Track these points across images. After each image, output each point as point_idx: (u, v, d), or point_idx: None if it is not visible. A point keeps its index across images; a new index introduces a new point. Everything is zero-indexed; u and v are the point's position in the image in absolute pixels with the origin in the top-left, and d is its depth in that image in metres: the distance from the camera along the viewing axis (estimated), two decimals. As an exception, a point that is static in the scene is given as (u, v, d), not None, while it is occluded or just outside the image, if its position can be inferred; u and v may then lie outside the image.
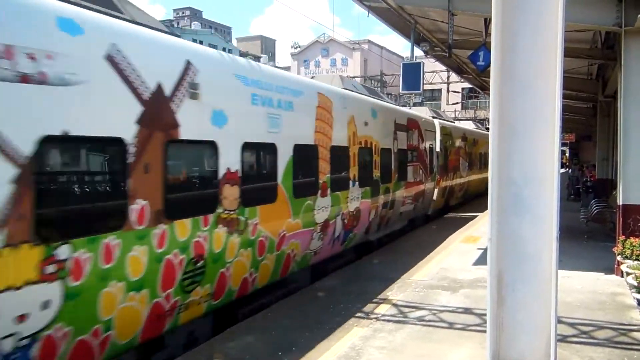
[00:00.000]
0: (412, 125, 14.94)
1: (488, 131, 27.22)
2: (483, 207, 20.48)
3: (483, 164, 26.81)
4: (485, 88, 22.71)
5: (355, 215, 10.92)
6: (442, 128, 18.97)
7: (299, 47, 68.15)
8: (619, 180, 9.40)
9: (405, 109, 17.02)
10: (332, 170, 9.64)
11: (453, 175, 20.63)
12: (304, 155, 8.87)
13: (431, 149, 17.03)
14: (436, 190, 17.86)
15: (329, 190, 9.57)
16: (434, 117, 19.07)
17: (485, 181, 30.19)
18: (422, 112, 18.46)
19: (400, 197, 13.82)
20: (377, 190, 12.03)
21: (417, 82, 13.47)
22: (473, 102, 52.01)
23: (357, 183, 10.85)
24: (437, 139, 17.97)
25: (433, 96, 52.74)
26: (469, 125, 29.05)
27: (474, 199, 25.77)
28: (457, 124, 26.19)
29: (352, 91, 11.75)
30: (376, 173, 12.04)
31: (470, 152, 24.11)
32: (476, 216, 18.62)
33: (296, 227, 8.50)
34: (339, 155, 10.06)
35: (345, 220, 10.45)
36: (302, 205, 8.69)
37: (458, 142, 21.61)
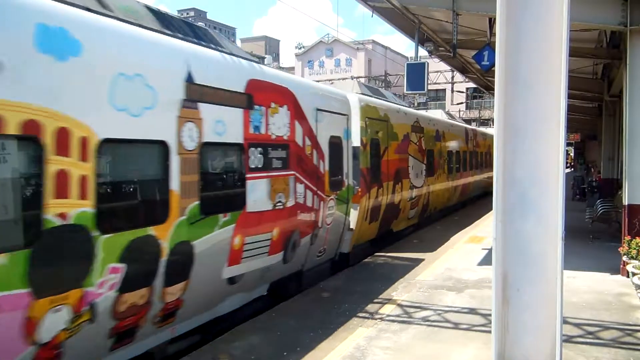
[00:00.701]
0: (268, 96, 7.54)
1: (460, 122, 22.69)
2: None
3: (456, 168, 19.92)
4: (489, 88, 22.66)
5: None
6: (367, 109, 11.66)
7: (303, 47, 68.11)
8: (625, 180, 9.38)
9: (263, 66, 8.16)
10: None
11: (396, 186, 13.30)
12: None
13: (337, 144, 9.91)
14: (355, 213, 10.90)
15: None
16: (361, 94, 12.23)
17: (460, 190, 22.59)
18: (346, 87, 12.38)
19: (220, 250, 6.58)
20: (79, 256, 4.68)
21: (422, 82, 13.45)
22: (477, 102, 51.94)
23: None
24: (355, 127, 11.04)
25: (437, 96, 52.73)
26: (438, 115, 21.22)
27: (443, 216, 18.37)
28: (411, 109, 17.48)
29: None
30: (70, 208, 4.50)
31: (431, 149, 16.68)
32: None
33: None
34: None
35: None
36: None
37: (405, 134, 14.22)
